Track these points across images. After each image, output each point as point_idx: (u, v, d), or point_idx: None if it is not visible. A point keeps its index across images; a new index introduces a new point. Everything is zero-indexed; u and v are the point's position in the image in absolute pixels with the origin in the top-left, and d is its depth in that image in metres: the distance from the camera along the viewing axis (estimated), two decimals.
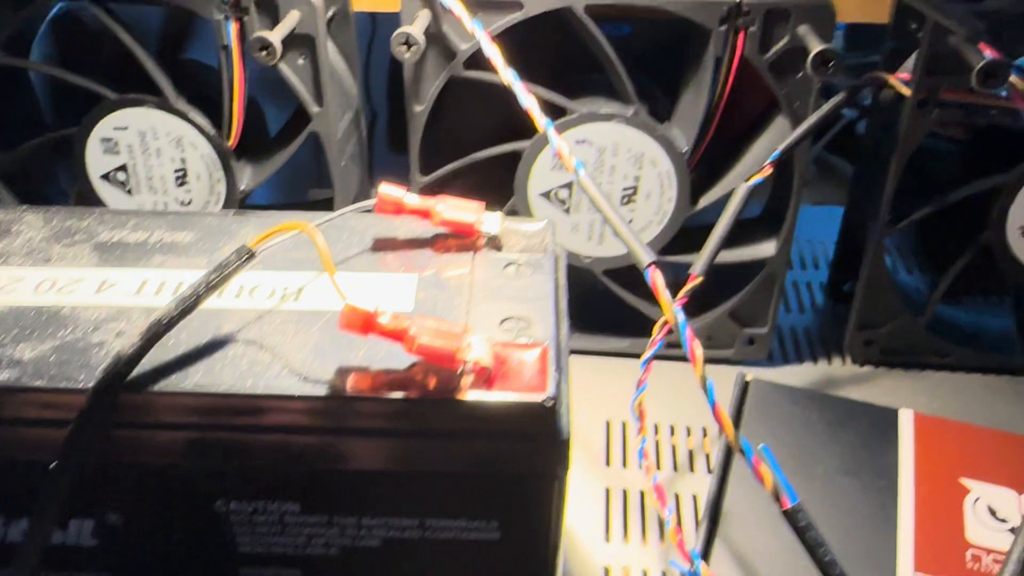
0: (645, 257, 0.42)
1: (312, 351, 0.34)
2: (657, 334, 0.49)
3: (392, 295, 0.36)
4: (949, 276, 0.57)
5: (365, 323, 0.32)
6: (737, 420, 0.51)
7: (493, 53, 0.47)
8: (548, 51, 0.55)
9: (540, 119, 0.46)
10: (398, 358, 0.33)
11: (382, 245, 0.40)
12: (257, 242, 0.34)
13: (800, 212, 0.55)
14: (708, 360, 0.60)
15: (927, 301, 0.59)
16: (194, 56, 0.62)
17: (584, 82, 0.57)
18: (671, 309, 0.40)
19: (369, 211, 0.39)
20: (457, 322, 0.34)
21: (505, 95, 0.50)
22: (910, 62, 0.55)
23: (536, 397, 0.32)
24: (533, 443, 0.32)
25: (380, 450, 0.33)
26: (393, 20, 0.51)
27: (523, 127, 0.55)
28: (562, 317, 0.37)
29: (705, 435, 0.56)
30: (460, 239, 0.40)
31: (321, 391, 0.32)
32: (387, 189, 0.39)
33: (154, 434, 0.33)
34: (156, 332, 0.32)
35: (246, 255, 0.34)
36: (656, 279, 0.41)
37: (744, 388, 0.53)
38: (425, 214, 0.39)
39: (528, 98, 0.46)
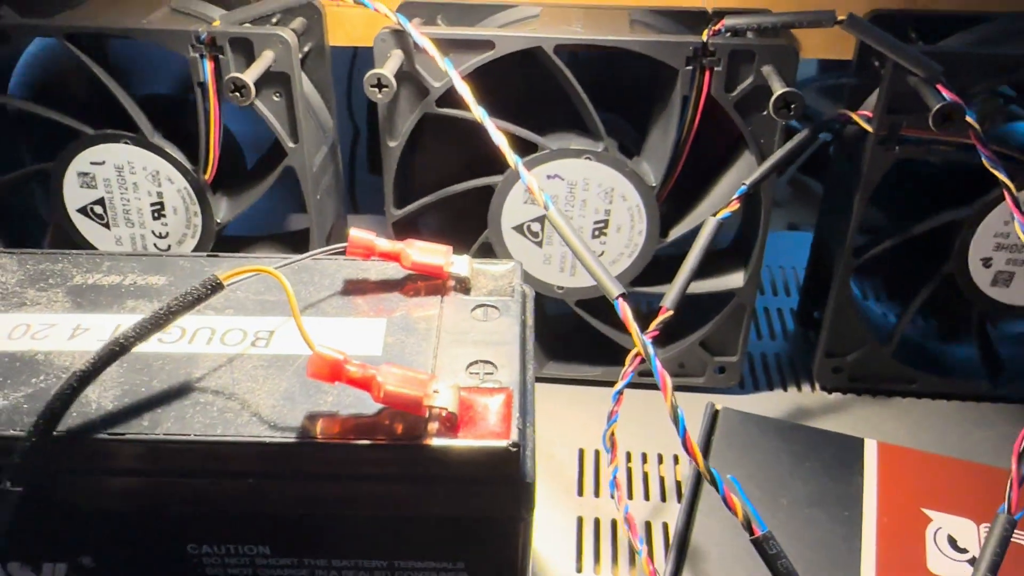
0: (614, 289, 0.43)
1: (282, 397, 0.34)
2: (628, 365, 0.49)
3: (361, 340, 0.37)
4: (914, 305, 0.58)
5: (333, 371, 0.33)
6: (706, 449, 0.52)
7: (465, 92, 0.48)
8: (517, 86, 0.56)
9: (510, 156, 0.47)
10: (366, 404, 0.34)
11: (352, 288, 0.40)
12: (228, 277, 0.35)
13: (770, 237, 0.56)
14: (679, 388, 0.62)
15: (893, 328, 0.60)
16: (159, 89, 0.62)
17: (553, 116, 0.58)
18: (641, 340, 0.41)
19: (340, 254, 0.40)
20: (423, 370, 0.35)
21: (478, 130, 0.51)
22: (873, 98, 0.57)
23: (500, 443, 0.32)
24: (498, 487, 0.33)
25: (349, 494, 0.34)
26: None
27: (496, 161, 0.56)
28: (528, 359, 0.38)
29: (677, 463, 0.57)
30: (430, 281, 0.41)
31: (290, 437, 0.33)
32: (357, 233, 0.40)
33: (126, 480, 0.34)
34: (111, 354, 0.33)
35: (213, 285, 0.35)
36: (626, 311, 0.42)
37: (713, 417, 0.54)
38: (395, 257, 0.40)
39: (498, 136, 0.47)
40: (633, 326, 0.41)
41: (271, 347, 0.37)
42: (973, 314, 0.59)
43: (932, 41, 0.56)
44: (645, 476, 0.56)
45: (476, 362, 0.36)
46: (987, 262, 0.56)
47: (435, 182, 0.58)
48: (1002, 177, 0.46)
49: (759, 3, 0.56)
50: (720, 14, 0.56)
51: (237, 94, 0.49)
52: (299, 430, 0.33)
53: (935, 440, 0.58)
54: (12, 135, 0.61)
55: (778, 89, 0.47)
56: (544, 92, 0.57)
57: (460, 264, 0.40)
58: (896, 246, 0.57)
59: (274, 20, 0.57)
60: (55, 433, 0.32)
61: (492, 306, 0.39)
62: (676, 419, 0.39)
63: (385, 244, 0.40)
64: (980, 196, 0.54)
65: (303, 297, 0.39)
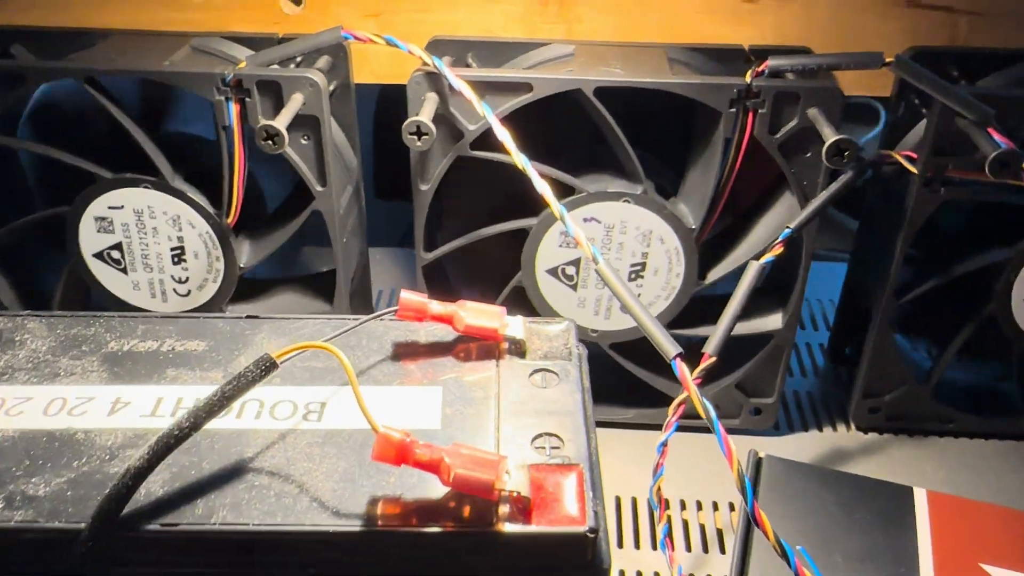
0: (671, 349, 0.41)
1: (341, 479, 0.32)
2: (672, 415, 0.48)
3: (418, 411, 0.35)
4: (954, 346, 0.57)
5: (399, 454, 0.31)
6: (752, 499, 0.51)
7: (506, 139, 0.47)
8: (548, 125, 0.55)
9: (555, 206, 0.45)
10: (431, 485, 0.32)
11: (402, 352, 0.39)
12: (281, 355, 0.33)
13: None
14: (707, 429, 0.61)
15: (930, 367, 0.59)
16: (177, 128, 0.60)
17: (585, 155, 0.57)
18: (701, 403, 0.40)
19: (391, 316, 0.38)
20: (487, 445, 0.34)
21: (508, 171, 0.50)
22: (911, 137, 0.56)
23: (577, 529, 0.31)
24: (573, 573, 0.32)
25: None
26: None
27: (527, 202, 0.55)
28: (591, 428, 0.36)
29: (716, 509, 0.56)
30: (482, 343, 0.39)
31: (354, 525, 0.31)
32: (409, 296, 0.38)
33: (179, 571, 0.32)
34: (167, 446, 0.31)
35: (267, 365, 0.33)
36: (683, 371, 0.41)
37: (757, 466, 0.53)
38: (448, 320, 0.38)
39: (542, 184, 0.46)
40: (693, 388, 0.40)
41: (324, 421, 0.35)
42: (1014, 354, 0.58)
43: (972, 79, 0.55)
44: (685, 525, 0.55)
45: (541, 435, 0.34)
46: None
47: (463, 224, 0.56)
48: None
49: (795, 40, 0.55)
50: (758, 53, 0.55)
51: (269, 142, 0.47)
52: (363, 517, 0.31)
53: (977, 482, 0.57)
54: (22, 178, 0.59)
55: (830, 136, 0.46)
56: (574, 131, 0.56)
57: (515, 326, 0.39)
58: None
59: (299, 60, 0.55)
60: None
61: (551, 371, 0.38)
62: (744, 490, 0.38)
63: (438, 307, 0.38)
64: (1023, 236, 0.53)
65: (352, 364, 0.38)
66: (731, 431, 0.60)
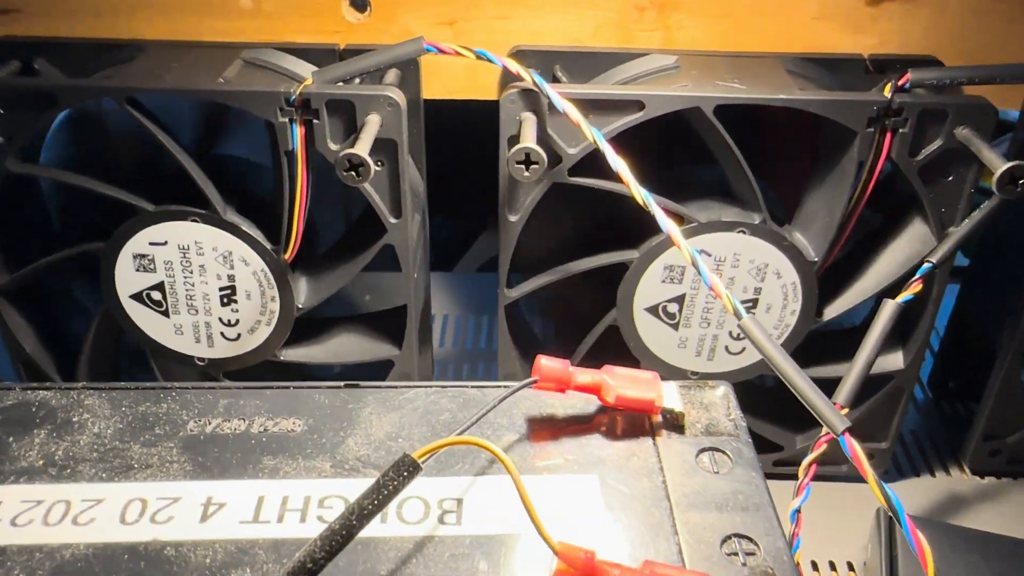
0: (839, 424, 0.35)
1: None
2: (804, 477, 0.43)
3: (574, 506, 0.29)
4: None
5: None
6: (892, 567, 0.45)
7: (621, 167, 0.41)
8: (644, 144, 0.49)
9: (686, 250, 0.39)
10: None
11: (540, 428, 0.33)
12: (423, 454, 0.27)
13: None
14: (820, 477, 0.55)
15: None
16: (225, 151, 0.54)
17: (688, 178, 0.51)
18: (881, 489, 0.34)
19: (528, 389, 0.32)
20: (669, 552, 0.28)
21: (601, 198, 0.44)
22: None
23: None
24: None
25: None
26: None
27: (620, 233, 0.49)
28: (780, 523, 0.30)
29: (834, 569, 0.50)
30: (629, 415, 0.33)
31: None
32: (550, 364, 0.32)
33: None
34: None
35: (410, 468, 0.27)
36: (855, 448, 0.35)
37: (890, 527, 0.47)
38: (595, 391, 0.32)
39: (669, 223, 0.40)
40: (867, 468, 0.34)
41: (465, 524, 0.29)
42: None
43: None
44: None
45: (730, 537, 0.28)
46: None
47: (547, 256, 0.50)
48: None
49: (924, 50, 0.49)
50: (879, 63, 0.49)
51: (352, 173, 0.41)
52: None
53: None
54: (43, 208, 0.53)
55: (999, 164, 0.40)
56: (672, 151, 0.50)
57: (670, 394, 0.33)
58: None
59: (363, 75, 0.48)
60: None
61: (720, 450, 0.32)
62: None
63: (584, 377, 0.32)
64: None
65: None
66: (839, 478, 0.55)
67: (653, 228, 0.46)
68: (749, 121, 0.48)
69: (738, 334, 0.50)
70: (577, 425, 0.33)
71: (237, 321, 0.50)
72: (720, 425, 0.33)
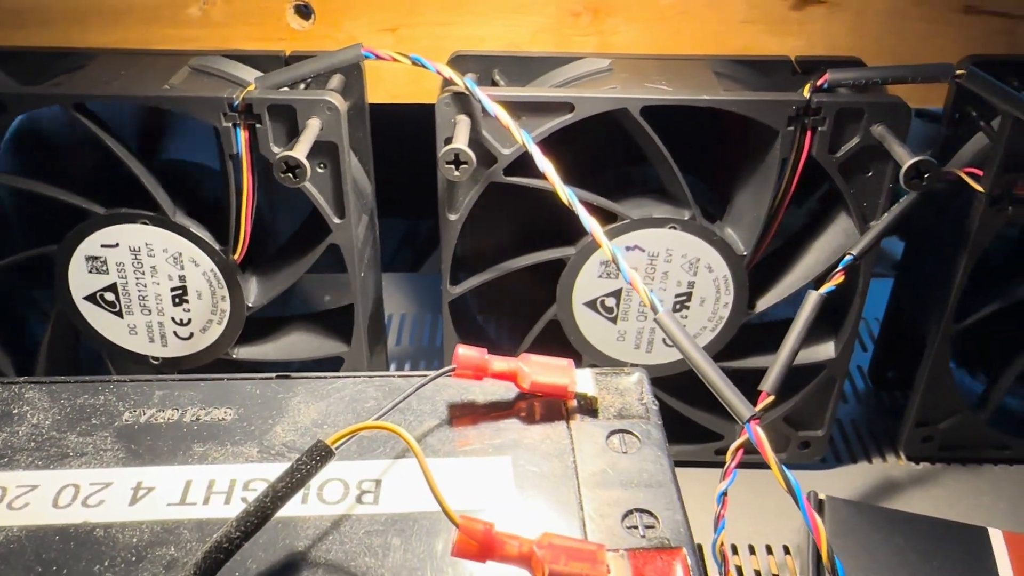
0: (745, 411, 0.37)
1: None
2: (731, 461, 0.44)
3: (487, 488, 0.31)
4: (1013, 370, 0.54)
5: (484, 549, 0.27)
6: (818, 546, 0.47)
7: (548, 168, 0.42)
8: (581, 145, 0.50)
9: (607, 247, 0.41)
10: None
11: (460, 415, 0.34)
12: (336, 440, 0.29)
13: None
14: (758, 465, 0.57)
15: (987, 394, 0.56)
16: (175, 156, 0.55)
17: (621, 177, 0.53)
18: (783, 473, 0.36)
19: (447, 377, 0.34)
20: (572, 527, 0.29)
21: (539, 197, 0.46)
22: (966, 151, 0.52)
23: None
24: None
25: None
26: None
27: (559, 230, 0.50)
28: (681, 497, 0.32)
29: (770, 553, 0.52)
30: (546, 400, 0.35)
31: None
32: (467, 352, 0.34)
33: None
34: (216, 561, 0.26)
35: (323, 453, 0.29)
36: (760, 437, 0.37)
37: (819, 509, 0.49)
38: (511, 378, 0.34)
39: (591, 221, 0.42)
40: (770, 454, 0.36)
41: (382, 503, 0.31)
42: None
43: None
44: (739, 571, 0.51)
45: (631, 512, 0.30)
46: None
47: (490, 254, 0.52)
48: None
49: (848, 51, 0.51)
50: (805, 65, 0.51)
51: (290, 175, 0.42)
52: None
53: None
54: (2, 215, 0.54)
55: (906, 158, 0.42)
56: (607, 151, 0.52)
57: (584, 380, 0.35)
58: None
59: (308, 80, 0.50)
60: None
61: (629, 432, 0.33)
62: (835, 571, 0.34)
63: (500, 364, 0.34)
64: None
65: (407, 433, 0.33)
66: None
67: (576, 225, 0.48)
68: (687, 121, 0.50)
69: None
70: (496, 411, 0.34)
71: (189, 320, 0.52)
72: (632, 409, 0.35)
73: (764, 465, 0.56)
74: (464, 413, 0.34)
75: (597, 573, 0.27)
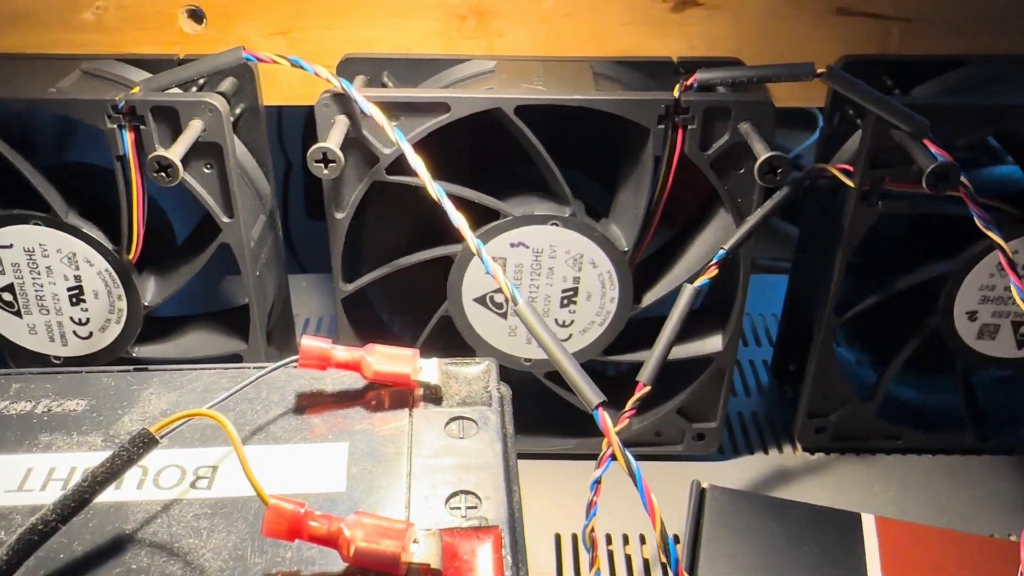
0: (593, 397, 0.38)
1: (231, 557, 0.29)
2: (605, 451, 0.45)
3: (320, 472, 0.32)
4: (898, 362, 0.56)
5: (292, 528, 0.28)
6: (696, 533, 0.48)
7: (419, 167, 0.44)
8: (473, 146, 0.52)
9: (472, 241, 0.42)
10: (332, 559, 0.29)
11: (307, 404, 0.35)
12: (161, 427, 0.30)
13: None
14: (657, 457, 0.59)
15: (876, 385, 0.57)
16: (76, 158, 0.56)
17: (514, 177, 0.54)
18: (623, 455, 0.37)
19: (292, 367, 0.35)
20: (396, 509, 0.30)
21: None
22: (847, 148, 0.54)
23: None
24: None
25: None
26: None
27: (452, 227, 0.52)
28: (513, 481, 0.33)
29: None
30: (396, 390, 0.36)
31: None
32: (310, 342, 0.35)
33: None
34: (29, 543, 0.27)
35: (145, 441, 0.30)
36: (606, 421, 0.38)
37: (701, 497, 0.50)
38: (355, 367, 0.35)
39: (458, 217, 0.43)
40: (614, 438, 0.37)
41: (215, 488, 0.32)
42: (958, 367, 0.57)
43: (906, 87, 0.53)
44: (628, 560, 0.52)
45: (456, 493, 0.31)
46: (972, 315, 0.53)
47: (387, 252, 0.53)
48: (996, 238, 0.44)
49: (728, 52, 0.53)
50: (688, 65, 0.52)
51: (163, 174, 0.44)
52: None
53: (926, 500, 0.56)
54: None
55: (762, 153, 0.44)
56: (502, 151, 0.53)
57: (429, 370, 0.36)
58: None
59: (201, 83, 0.51)
60: None
61: (468, 419, 0.35)
62: (667, 549, 0.35)
63: (343, 353, 0.35)
64: (964, 247, 0.51)
65: (249, 419, 0.34)
66: (674, 458, 0.58)
67: (471, 222, 0.49)
68: (574, 121, 0.51)
69: (563, 321, 0.53)
70: (342, 399, 0.36)
71: (88, 320, 0.53)
72: (477, 397, 0.36)
73: (665, 457, 0.58)
74: (311, 402, 0.35)
75: (403, 549, 0.28)
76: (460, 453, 0.33)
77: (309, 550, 0.29)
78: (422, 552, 0.28)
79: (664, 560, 0.36)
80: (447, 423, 0.34)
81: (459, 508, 0.31)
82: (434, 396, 0.36)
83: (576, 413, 0.56)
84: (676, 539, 0.53)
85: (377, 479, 0.32)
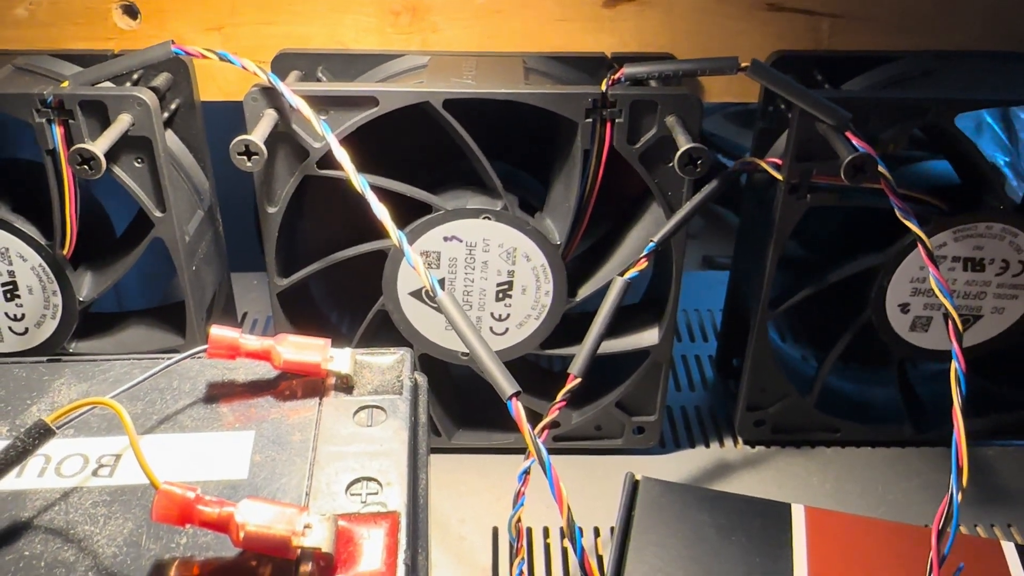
0: (508, 388, 0.39)
1: (125, 543, 0.29)
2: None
3: (224, 459, 0.32)
4: (833, 355, 0.56)
5: (182, 513, 0.28)
6: (627, 524, 0.49)
7: (344, 160, 0.44)
8: (408, 140, 0.52)
9: (394, 233, 0.42)
10: (227, 545, 0.29)
11: (217, 393, 0.35)
12: (57, 417, 0.30)
13: (684, 277, 0.53)
14: (597, 451, 0.59)
15: (814, 378, 0.58)
16: (9, 154, 0.56)
17: (450, 170, 0.54)
18: (535, 444, 0.37)
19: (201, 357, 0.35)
20: (295, 496, 0.31)
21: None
22: (780, 143, 0.55)
23: None
24: None
25: None
26: None
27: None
28: (422, 467, 0.34)
29: (598, 535, 0.53)
30: (308, 380, 0.36)
31: None
32: (219, 332, 0.35)
33: None
34: None
35: (41, 432, 0.30)
36: (519, 412, 0.38)
37: (633, 489, 0.50)
38: (265, 357, 0.35)
39: (380, 209, 0.43)
40: (526, 427, 0.38)
41: (116, 476, 0.32)
42: (893, 359, 0.57)
43: (837, 82, 0.54)
44: (564, 553, 0.52)
45: (358, 480, 0.32)
46: (905, 308, 0.54)
47: (325, 247, 0.53)
48: (916, 229, 0.44)
49: (661, 47, 0.53)
50: (620, 60, 0.53)
51: (86, 167, 0.44)
52: None
53: (864, 492, 0.56)
54: None
55: (683, 144, 0.44)
56: (437, 145, 0.53)
57: (341, 359, 0.36)
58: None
59: (136, 77, 0.51)
60: None
61: (378, 407, 0.35)
62: (573, 537, 0.36)
63: (252, 343, 0.35)
64: (894, 240, 0.52)
65: (158, 408, 0.34)
66: (615, 451, 0.59)
67: (409, 216, 0.50)
68: (509, 116, 0.51)
69: (499, 315, 0.53)
70: (253, 389, 0.36)
71: (23, 316, 0.53)
72: (388, 386, 0.36)
73: (607, 451, 0.58)
74: (222, 392, 0.35)
75: (293, 533, 0.28)
76: (366, 440, 0.33)
77: (204, 536, 0.29)
78: (314, 536, 0.28)
79: (572, 548, 0.37)
80: (356, 411, 0.35)
81: (359, 495, 0.31)
82: (345, 385, 0.36)
83: None
84: (612, 531, 0.54)
85: (280, 467, 0.32)
